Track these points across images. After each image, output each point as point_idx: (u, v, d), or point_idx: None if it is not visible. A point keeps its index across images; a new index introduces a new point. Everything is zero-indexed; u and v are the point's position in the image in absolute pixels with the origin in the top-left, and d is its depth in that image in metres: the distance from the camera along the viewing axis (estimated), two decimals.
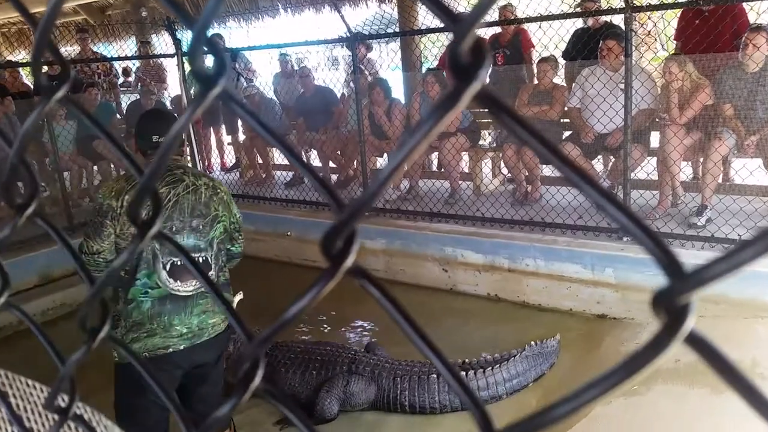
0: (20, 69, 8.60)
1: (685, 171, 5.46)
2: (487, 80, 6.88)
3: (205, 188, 2.61)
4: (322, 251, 0.31)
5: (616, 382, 0.24)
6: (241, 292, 2.85)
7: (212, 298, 0.40)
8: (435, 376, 3.67)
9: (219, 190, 2.68)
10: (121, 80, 9.93)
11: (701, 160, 5.07)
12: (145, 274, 2.47)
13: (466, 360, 3.87)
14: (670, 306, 0.24)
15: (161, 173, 0.37)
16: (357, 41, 6.15)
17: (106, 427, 0.57)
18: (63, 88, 0.40)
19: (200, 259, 2.61)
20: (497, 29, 6.68)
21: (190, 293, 2.54)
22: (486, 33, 7.16)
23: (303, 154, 7.47)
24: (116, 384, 2.59)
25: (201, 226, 2.58)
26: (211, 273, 2.65)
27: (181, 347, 2.53)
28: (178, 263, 2.51)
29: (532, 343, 3.95)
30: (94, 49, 9.65)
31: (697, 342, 0.24)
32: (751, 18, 5.62)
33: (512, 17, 6.40)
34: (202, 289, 2.56)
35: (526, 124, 0.25)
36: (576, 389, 0.25)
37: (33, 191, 0.47)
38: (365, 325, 4.95)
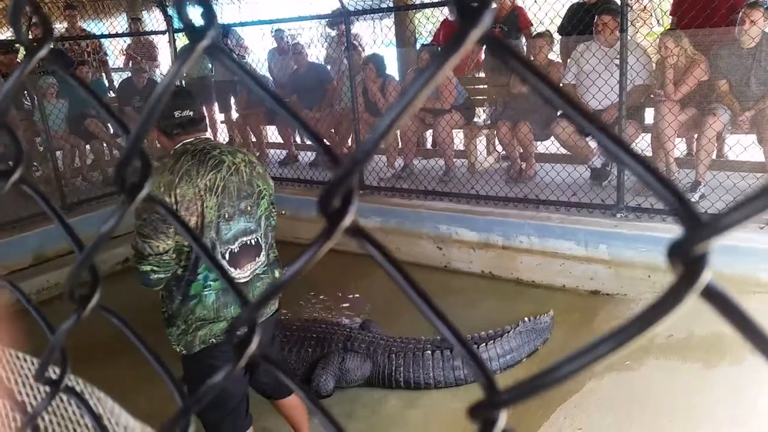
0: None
1: (679, 147, 5.45)
2: (483, 55, 6.83)
3: (244, 165, 2.48)
4: (319, 210, 0.30)
5: (629, 337, 0.23)
6: (286, 268, 2.81)
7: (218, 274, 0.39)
8: (429, 352, 3.69)
9: (254, 163, 2.56)
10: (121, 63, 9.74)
11: (695, 136, 5.06)
12: (205, 267, 2.37)
13: None
14: (686, 256, 0.22)
15: (148, 133, 0.35)
16: (350, 17, 6.07)
17: (99, 399, 0.56)
18: (45, 47, 0.39)
19: (252, 242, 2.50)
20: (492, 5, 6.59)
21: (248, 278, 2.48)
22: None
23: (296, 132, 7.41)
24: (188, 376, 2.54)
25: (249, 207, 2.48)
26: (263, 254, 2.56)
27: None
28: (236, 250, 2.44)
29: (526, 319, 3.97)
30: (84, 26, 9.50)
31: (714, 295, 0.23)
32: None
33: None
34: (258, 272, 2.52)
35: (535, 69, 0.23)
36: (584, 346, 0.24)
37: (18, 157, 0.45)
38: (361, 302, 4.95)
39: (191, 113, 2.43)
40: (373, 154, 0.29)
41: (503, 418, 0.28)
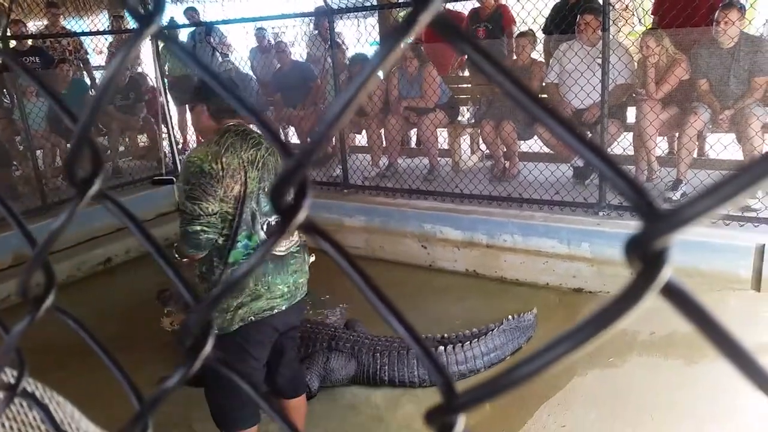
0: None
1: (660, 146, 5.49)
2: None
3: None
4: (273, 205, 0.29)
5: (585, 337, 0.22)
6: (313, 254, 2.86)
7: (161, 260, 0.37)
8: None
9: None
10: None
11: (677, 134, 5.10)
12: (245, 236, 2.50)
13: (445, 335, 3.89)
14: (645, 252, 0.21)
15: (94, 121, 0.34)
16: (333, 15, 6.05)
17: (59, 404, 0.54)
18: None
19: None
20: (477, 3, 6.61)
21: (284, 253, 2.59)
22: (465, 7, 7.09)
23: (280, 131, 7.37)
24: None
25: None
26: (297, 234, 2.65)
27: (283, 307, 2.57)
28: (273, 224, 2.56)
29: (510, 317, 3.97)
30: (65, 24, 9.36)
31: (674, 293, 0.21)
32: None
33: None
34: (292, 249, 2.63)
35: (488, 55, 0.22)
36: (541, 347, 0.23)
37: None
38: (345, 302, 4.93)
39: None
40: (326, 143, 0.27)
41: (461, 422, 0.27)
